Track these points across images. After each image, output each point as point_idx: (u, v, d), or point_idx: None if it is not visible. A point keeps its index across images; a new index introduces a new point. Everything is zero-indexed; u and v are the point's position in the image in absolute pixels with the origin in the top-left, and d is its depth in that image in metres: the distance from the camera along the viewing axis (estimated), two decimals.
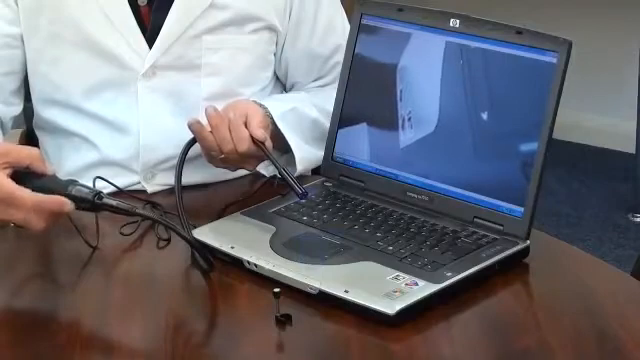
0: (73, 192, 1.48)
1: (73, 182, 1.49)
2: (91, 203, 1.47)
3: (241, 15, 1.78)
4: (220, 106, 1.69)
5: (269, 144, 1.66)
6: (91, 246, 1.55)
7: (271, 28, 1.81)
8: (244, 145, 1.65)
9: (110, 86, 1.76)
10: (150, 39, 1.75)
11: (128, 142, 1.78)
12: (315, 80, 1.89)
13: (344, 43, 1.73)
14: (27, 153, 1.50)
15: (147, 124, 1.77)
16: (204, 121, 1.66)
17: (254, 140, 1.65)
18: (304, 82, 1.90)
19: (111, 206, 1.48)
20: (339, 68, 1.74)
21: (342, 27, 1.86)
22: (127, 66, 1.75)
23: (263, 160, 1.71)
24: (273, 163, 1.65)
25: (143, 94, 1.76)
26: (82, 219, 1.56)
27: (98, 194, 1.48)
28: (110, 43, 1.74)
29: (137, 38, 1.75)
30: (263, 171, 1.78)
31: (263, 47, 1.82)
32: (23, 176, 1.48)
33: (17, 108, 1.83)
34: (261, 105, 1.73)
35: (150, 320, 1.40)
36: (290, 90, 1.92)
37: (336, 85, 1.73)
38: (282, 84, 1.92)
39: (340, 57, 1.76)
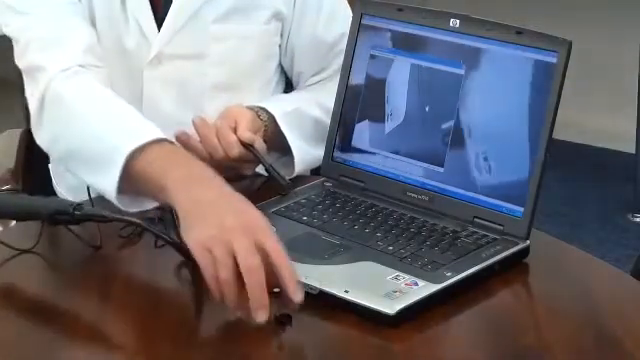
0: (54, 205, 1.49)
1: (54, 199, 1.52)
2: (70, 215, 1.48)
3: (245, 1, 1.78)
4: (224, 96, 1.71)
5: (259, 145, 1.67)
6: (94, 247, 1.55)
7: (277, 16, 1.82)
8: (234, 150, 1.65)
9: (117, 77, 1.75)
10: (160, 25, 1.76)
11: None
12: (318, 73, 1.90)
13: (347, 32, 1.74)
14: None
15: (151, 114, 1.76)
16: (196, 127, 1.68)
17: (243, 143, 1.65)
18: (308, 72, 1.90)
19: (93, 215, 1.49)
20: (342, 57, 1.74)
21: (345, 15, 1.87)
22: (134, 54, 1.75)
23: (259, 163, 1.71)
24: (262, 164, 1.66)
25: (148, 83, 1.77)
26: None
27: (77, 205, 1.48)
28: (122, 28, 1.75)
29: (149, 23, 1.76)
30: (262, 171, 1.78)
31: (269, 38, 1.84)
32: None
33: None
34: (253, 108, 1.73)
35: (149, 320, 1.39)
36: (295, 82, 1.93)
37: (337, 79, 1.72)
38: (287, 76, 1.93)
39: (344, 45, 1.77)
